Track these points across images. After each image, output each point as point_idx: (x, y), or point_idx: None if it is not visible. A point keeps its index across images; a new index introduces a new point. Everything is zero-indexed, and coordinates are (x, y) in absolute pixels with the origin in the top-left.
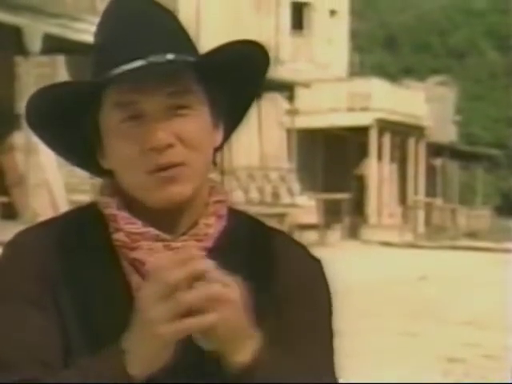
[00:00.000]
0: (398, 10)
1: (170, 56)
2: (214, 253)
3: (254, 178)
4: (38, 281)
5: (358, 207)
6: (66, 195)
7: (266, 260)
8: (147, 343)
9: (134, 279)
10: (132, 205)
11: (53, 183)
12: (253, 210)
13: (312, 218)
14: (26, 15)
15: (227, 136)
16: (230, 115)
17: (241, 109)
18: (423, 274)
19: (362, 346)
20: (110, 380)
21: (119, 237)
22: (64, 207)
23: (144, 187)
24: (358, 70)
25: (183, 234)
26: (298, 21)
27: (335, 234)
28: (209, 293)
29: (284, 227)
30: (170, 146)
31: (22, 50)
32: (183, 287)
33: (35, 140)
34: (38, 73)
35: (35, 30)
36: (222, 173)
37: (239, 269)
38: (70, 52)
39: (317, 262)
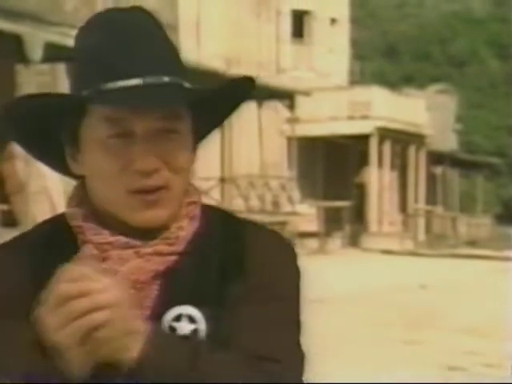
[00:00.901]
0: (398, 18)
1: (165, 78)
2: (185, 256)
3: (254, 186)
4: (14, 297)
5: (359, 215)
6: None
7: (237, 252)
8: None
9: None
10: (100, 213)
11: (53, 191)
12: (253, 218)
13: (312, 226)
14: (26, 23)
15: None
16: (202, 135)
17: (210, 130)
18: (423, 282)
19: (362, 354)
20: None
21: (88, 249)
22: None
23: (123, 206)
24: (359, 78)
25: (154, 237)
26: (299, 29)
27: (336, 242)
28: (93, 300)
29: (284, 235)
30: (157, 170)
31: (23, 58)
32: (74, 299)
33: None
34: (39, 81)
35: (36, 39)
36: (223, 181)
37: (212, 267)
38: (70, 60)
39: (286, 246)
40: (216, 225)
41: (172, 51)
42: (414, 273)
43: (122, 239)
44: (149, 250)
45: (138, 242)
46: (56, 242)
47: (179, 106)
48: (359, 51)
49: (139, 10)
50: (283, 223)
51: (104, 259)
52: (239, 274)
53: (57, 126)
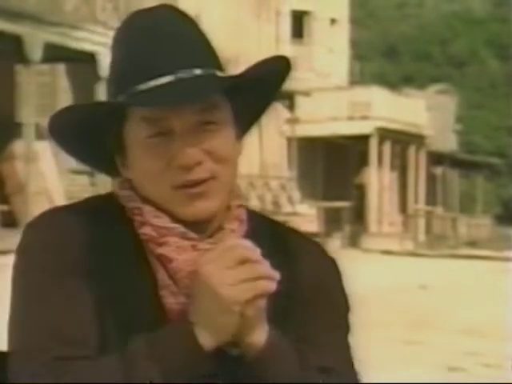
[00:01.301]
0: (398, 18)
1: (197, 71)
2: None
3: (254, 187)
4: (76, 258)
5: (359, 215)
6: (66, 203)
7: (284, 260)
8: (214, 310)
9: (160, 276)
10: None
11: (53, 191)
12: None
13: (312, 226)
14: (26, 24)
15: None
16: (245, 124)
17: (255, 118)
18: (424, 282)
19: (362, 355)
20: (182, 352)
21: (146, 231)
22: None
23: (170, 202)
24: (359, 78)
25: (209, 236)
26: (298, 29)
27: (335, 243)
28: (269, 269)
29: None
30: (200, 162)
31: (23, 59)
32: (253, 262)
33: (35, 148)
34: (39, 81)
35: (36, 39)
36: None
37: None
38: (70, 60)
39: (332, 260)
40: (263, 228)
41: (202, 43)
42: (414, 273)
43: (181, 228)
44: (206, 245)
45: (195, 235)
46: (111, 221)
47: (212, 96)
48: (359, 51)
49: (165, 8)
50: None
51: (161, 244)
52: (286, 283)
53: (103, 134)
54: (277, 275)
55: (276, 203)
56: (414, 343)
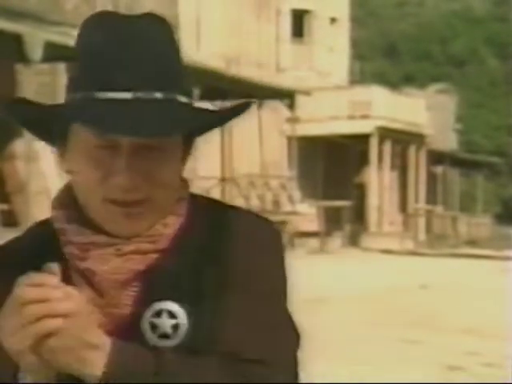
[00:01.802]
0: (398, 17)
1: (158, 95)
2: (167, 253)
3: (254, 186)
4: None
5: (359, 215)
6: None
7: (221, 243)
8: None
9: (85, 291)
10: (85, 213)
11: (53, 191)
12: None
13: (312, 225)
14: (26, 23)
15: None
16: (191, 142)
17: (201, 135)
18: (424, 281)
19: (362, 354)
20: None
21: (69, 249)
22: None
23: (100, 215)
24: (359, 77)
25: (139, 235)
26: (299, 28)
27: (336, 242)
28: (48, 306)
29: (284, 235)
30: (136, 187)
31: (23, 58)
32: (30, 304)
33: (36, 148)
34: (39, 81)
35: (36, 38)
36: (223, 180)
37: (194, 264)
38: (70, 60)
39: (273, 233)
40: (200, 217)
41: (173, 63)
42: (414, 272)
43: (103, 238)
44: (130, 247)
45: (118, 240)
46: (39, 245)
47: (164, 135)
48: (359, 51)
49: (147, 17)
50: (283, 223)
51: (84, 259)
52: (223, 266)
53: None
54: (65, 308)
55: (276, 202)
56: (413, 343)
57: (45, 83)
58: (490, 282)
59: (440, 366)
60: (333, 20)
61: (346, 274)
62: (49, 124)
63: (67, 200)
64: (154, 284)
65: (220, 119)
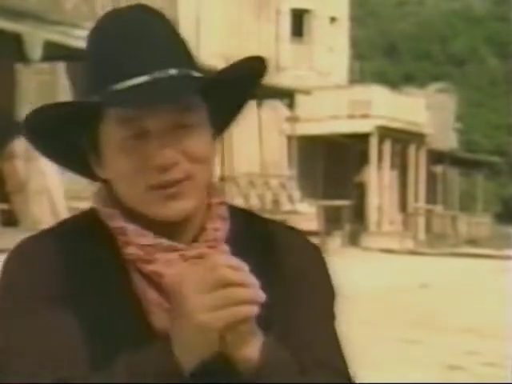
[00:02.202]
0: (398, 17)
1: (172, 71)
2: None
3: (254, 185)
4: (54, 284)
5: (359, 214)
6: (67, 202)
7: (268, 253)
8: (190, 332)
9: (149, 295)
10: (133, 215)
11: (53, 190)
12: None
13: (312, 225)
14: (26, 22)
15: (220, 133)
16: (221, 124)
17: (231, 117)
18: (424, 281)
19: (362, 354)
20: (160, 370)
21: (132, 251)
22: (64, 214)
23: (145, 203)
24: (359, 77)
25: (194, 240)
26: (298, 28)
27: (336, 241)
28: (253, 293)
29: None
30: (175, 164)
31: (23, 58)
32: (235, 286)
33: None
34: (39, 80)
35: (35, 38)
36: (223, 179)
37: (253, 271)
38: (70, 59)
39: (315, 248)
40: (245, 225)
41: (179, 44)
42: (415, 272)
43: (166, 242)
44: (193, 252)
45: (181, 245)
46: (90, 241)
47: (188, 96)
48: (359, 50)
49: (139, 8)
50: (283, 222)
51: (150, 262)
52: (277, 275)
53: (77, 134)
54: (262, 297)
55: (276, 202)
56: (414, 342)
57: (45, 82)
58: (490, 282)
59: (440, 366)
60: (332, 19)
61: (346, 274)
62: (74, 132)
63: (114, 200)
64: None
65: (236, 79)
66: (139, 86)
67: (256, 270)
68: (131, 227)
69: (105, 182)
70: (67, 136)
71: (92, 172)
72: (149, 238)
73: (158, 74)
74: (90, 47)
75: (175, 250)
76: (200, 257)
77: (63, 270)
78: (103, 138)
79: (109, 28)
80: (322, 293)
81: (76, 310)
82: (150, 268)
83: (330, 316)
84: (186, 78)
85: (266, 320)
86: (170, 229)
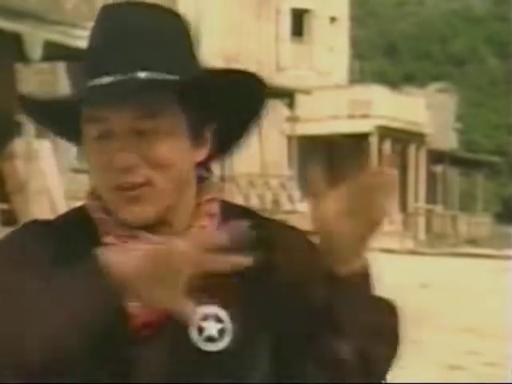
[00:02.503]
0: (398, 17)
1: (141, 74)
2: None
3: (254, 185)
4: (29, 265)
5: None
6: (67, 202)
7: (264, 253)
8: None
9: None
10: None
11: (53, 190)
12: None
13: None
14: (26, 22)
15: (228, 148)
16: (229, 132)
17: (240, 127)
18: (424, 281)
19: None
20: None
21: (109, 240)
22: None
23: (110, 202)
24: (359, 77)
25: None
26: (298, 28)
27: None
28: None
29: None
30: (135, 166)
31: (23, 57)
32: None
33: (36, 147)
34: (39, 80)
35: (35, 37)
36: (223, 180)
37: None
38: (70, 59)
39: (311, 243)
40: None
41: (173, 44)
42: (415, 272)
43: (145, 234)
44: (161, 240)
45: (161, 239)
46: (76, 231)
47: (156, 100)
48: (359, 50)
49: (138, 5)
50: None
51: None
52: (267, 273)
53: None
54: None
55: (276, 202)
56: (414, 342)
57: (45, 82)
58: (491, 281)
59: (440, 366)
60: (332, 19)
61: None
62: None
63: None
64: (199, 284)
65: (217, 86)
66: (103, 86)
67: (253, 269)
68: (108, 218)
69: None
70: (58, 118)
71: None
72: (124, 230)
73: (120, 76)
74: (89, 36)
75: (153, 242)
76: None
77: (42, 253)
78: (83, 135)
79: (97, 23)
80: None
81: (46, 290)
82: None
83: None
84: (153, 82)
85: (268, 320)
86: (153, 227)
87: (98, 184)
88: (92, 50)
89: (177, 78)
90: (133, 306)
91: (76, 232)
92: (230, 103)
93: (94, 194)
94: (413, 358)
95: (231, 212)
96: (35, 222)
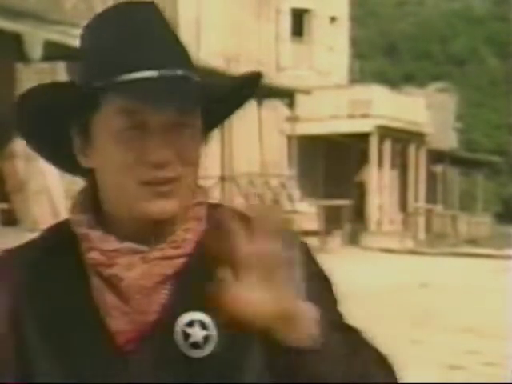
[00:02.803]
0: (398, 17)
1: (180, 71)
2: (195, 257)
3: (254, 185)
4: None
5: (359, 214)
6: (67, 202)
7: None
8: None
9: (108, 298)
10: (107, 218)
11: (53, 190)
12: None
13: (312, 224)
14: (26, 22)
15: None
16: (208, 128)
17: (217, 124)
18: (424, 280)
19: None
20: None
21: (94, 255)
22: (64, 214)
23: (134, 197)
24: (359, 77)
25: (162, 242)
26: (299, 27)
27: (336, 241)
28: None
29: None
30: (169, 162)
31: (23, 57)
32: None
33: None
34: (39, 79)
35: (35, 37)
36: (223, 179)
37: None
38: (70, 59)
39: (303, 243)
40: (225, 225)
41: (182, 45)
42: (415, 271)
43: (129, 245)
44: (156, 254)
45: (145, 248)
46: (56, 251)
47: (191, 97)
48: (359, 50)
49: (150, 4)
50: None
51: (111, 266)
52: None
53: (68, 120)
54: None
55: (276, 201)
56: (414, 342)
57: (45, 82)
58: (490, 281)
59: (440, 366)
60: (332, 19)
61: (346, 273)
62: (66, 117)
63: (88, 203)
64: (183, 290)
65: (235, 92)
66: (146, 79)
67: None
68: (95, 233)
69: (86, 174)
70: (56, 120)
71: (73, 166)
72: (111, 243)
73: (165, 72)
74: (91, 38)
75: (137, 252)
76: (163, 258)
77: (20, 289)
78: (97, 126)
79: (114, 20)
80: (321, 282)
81: (30, 319)
82: (109, 271)
83: (334, 301)
84: (190, 79)
85: None
86: (142, 231)
87: (122, 179)
88: (115, 45)
89: (197, 76)
90: (115, 324)
91: (54, 252)
92: (230, 103)
93: (78, 207)
94: (413, 357)
95: (219, 215)
96: (4, 257)
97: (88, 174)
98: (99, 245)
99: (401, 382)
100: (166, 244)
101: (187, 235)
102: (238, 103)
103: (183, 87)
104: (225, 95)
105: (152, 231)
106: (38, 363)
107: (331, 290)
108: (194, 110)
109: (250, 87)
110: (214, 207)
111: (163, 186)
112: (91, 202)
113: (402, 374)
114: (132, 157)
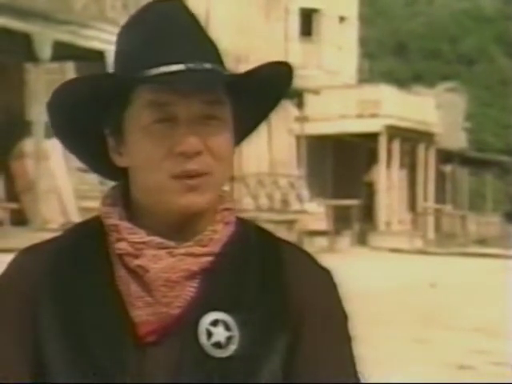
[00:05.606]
0: (407, 16)
1: (207, 65)
2: (222, 257)
3: (263, 185)
4: (20, 310)
5: (368, 214)
6: (76, 201)
7: (276, 270)
8: None
9: (132, 288)
10: (136, 213)
11: (63, 189)
12: (262, 216)
13: (321, 224)
14: (35, 22)
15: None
16: (244, 127)
17: (255, 122)
18: (433, 280)
19: (371, 353)
20: None
21: (122, 246)
22: (74, 213)
23: (166, 191)
24: (368, 76)
25: (189, 240)
26: (307, 27)
27: (345, 241)
28: None
29: (293, 234)
30: (200, 153)
31: (32, 57)
32: None
33: (45, 146)
34: (48, 79)
35: (45, 37)
36: (232, 179)
37: (249, 273)
38: (79, 59)
39: (326, 272)
40: (252, 234)
41: (211, 40)
42: (424, 271)
43: (157, 239)
44: (182, 250)
45: (172, 243)
46: (83, 244)
47: (220, 90)
48: (368, 49)
49: (178, 2)
50: (292, 222)
51: (137, 256)
52: (278, 288)
53: (102, 117)
54: None
55: (285, 201)
56: (423, 341)
57: (54, 82)
58: (499, 281)
59: (449, 365)
60: (342, 19)
61: (355, 273)
62: (99, 115)
63: (119, 198)
64: (210, 289)
65: (264, 81)
66: (174, 73)
67: (257, 279)
68: (124, 224)
69: (118, 177)
70: (88, 118)
71: (105, 168)
72: (140, 236)
73: (192, 65)
74: (128, 33)
75: (164, 247)
76: (188, 254)
77: (43, 281)
78: (129, 123)
79: (144, 19)
80: (335, 318)
81: (49, 320)
82: (136, 262)
83: (345, 339)
84: (218, 72)
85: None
86: (171, 229)
87: (154, 174)
88: (145, 41)
89: (226, 70)
90: (138, 315)
91: (81, 245)
92: (262, 98)
93: (109, 200)
94: (421, 357)
95: (245, 226)
96: (29, 252)
97: (119, 176)
98: (127, 236)
99: (410, 381)
100: (192, 242)
101: (214, 235)
102: (269, 95)
103: (209, 79)
104: (253, 86)
105: (179, 227)
106: (54, 346)
107: (338, 329)
108: (222, 101)
109: (280, 77)
110: (241, 219)
111: (193, 180)
112: (122, 197)
113: (411, 372)
114: (162, 150)
